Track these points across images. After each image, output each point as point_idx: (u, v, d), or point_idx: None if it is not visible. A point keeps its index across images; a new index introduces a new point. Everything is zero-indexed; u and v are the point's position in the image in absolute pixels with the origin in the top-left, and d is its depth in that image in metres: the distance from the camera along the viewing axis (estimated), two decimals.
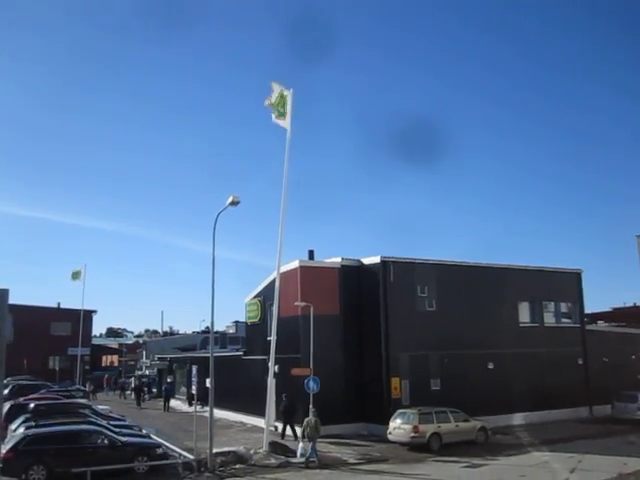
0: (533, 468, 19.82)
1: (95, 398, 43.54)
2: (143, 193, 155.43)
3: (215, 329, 25.21)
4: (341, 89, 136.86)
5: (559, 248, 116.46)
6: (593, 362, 32.88)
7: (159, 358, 52.08)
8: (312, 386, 23.91)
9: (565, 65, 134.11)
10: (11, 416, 23.08)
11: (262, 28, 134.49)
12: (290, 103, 23.75)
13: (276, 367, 24.55)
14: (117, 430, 20.47)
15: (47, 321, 59.80)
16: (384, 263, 27.72)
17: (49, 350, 57.44)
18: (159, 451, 19.83)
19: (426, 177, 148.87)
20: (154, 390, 47.62)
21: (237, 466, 20.09)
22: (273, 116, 24.20)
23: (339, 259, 29.26)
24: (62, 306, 63.00)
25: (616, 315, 47.71)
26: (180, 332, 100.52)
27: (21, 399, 27.94)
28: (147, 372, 61.32)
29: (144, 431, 24.04)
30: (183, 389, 42.19)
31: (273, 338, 23.47)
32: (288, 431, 25.93)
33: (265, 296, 30.88)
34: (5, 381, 29.09)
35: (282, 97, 23.97)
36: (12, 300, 7.93)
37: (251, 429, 28.25)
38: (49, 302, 69.72)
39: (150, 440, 21.53)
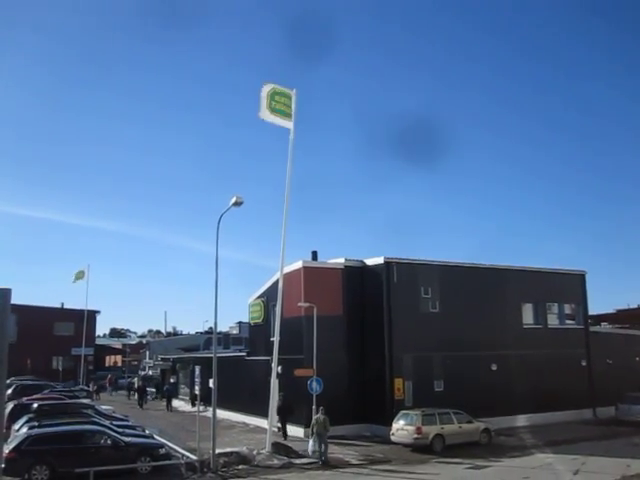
0: (536, 470, 19.78)
1: (98, 398, 43.60)
2: (144, 193, 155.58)
3: (218, 330, 25.21)
4: (341, 89, 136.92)
5: (562, 250, 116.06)
6: (597, 364, 32.78)
7: (162, 358, 52.11)
8: (315, 387, 23.91)
9: (568, 66, 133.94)
10: (14, 416, 23.13)
11: (262, 27, 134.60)
12: (294, 103, 23.72)
13: (279, 368, 24.55)
14: (120, 430, 20.51)
15: (51, 321, 59.92)
16: (387, 264, 27.69)
17: (52, 350, 57.52)
18: (162, 451, 19.85)
19: (427, 177, 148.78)
20: (153, 390, 47.54)
21: (240, 467, 20.08)
22: (260, 112, 23.77)
23: (342, 260, 29.24)
24: (65, 306, 63.16)
25: (620, 317, 47.64)
26: (183, 332, 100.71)
27: (24, 399, 27.94)
28: (150, 372, 61.32)
29: (147, 431, 24.05)
30: (186, 389, 42.17)
31: (276, 339, 23.46)
32: (291, 432, 25.91)
33: (268, 297, 30.87)
34: (8, 381, 29.22)
35: (286, 97, 23.88)
36: (16, 300, 7.93)
37: (254, 430, 28.24)
38: (52, 302, 69.94)
39: (153, 440, 21.54)
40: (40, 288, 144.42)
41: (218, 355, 22.55)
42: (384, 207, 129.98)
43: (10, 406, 24.88)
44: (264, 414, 24.47)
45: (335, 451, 22.16)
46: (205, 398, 25.06)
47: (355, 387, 27.31)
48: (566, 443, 24.31)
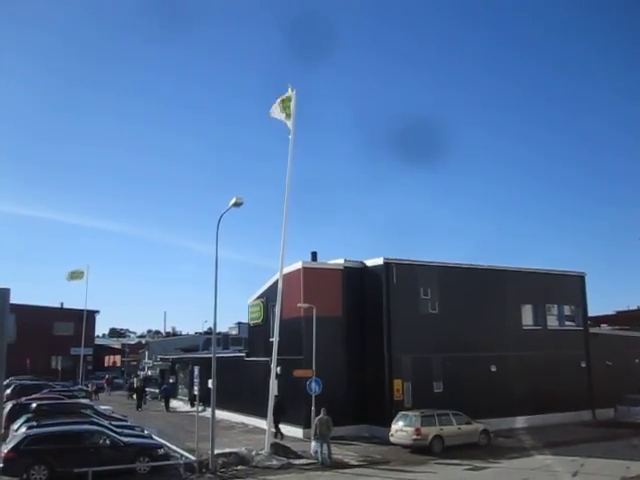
0: (535, 471, 19.76)
1: (97, 398, 43.58)
2: (144, 192, 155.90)
3: (217, 330, 25.23)
4: (341, 89, 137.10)
5: (561, 251, 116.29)
6: (596, 365, 32.76)
7: (161, 359, 52.07)
8: (314, 388, 23.89)
9: (568, 67, 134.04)
10: (13, 416, 23.13)
11: (263, 28, 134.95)
12: (294, 104, 23.72)
13: (278, 368, 24.54)
14: (119, 430, 20.48)
15: (50, 321, 60.01)
16: (387, 265, 27.69)
17: (52, 350, 57.61)
18: (161, 452, 19.83)
19: (426, 178, 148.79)
20: (155, 391, 47.51)
21: (239, 467, 20.06)
22: (272, 110, 23.97)
23: (342, 261, 29.24)
24: (65, 306, 63.18)
25: (619, 318, 47.64)
26: (183, 333, 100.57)
27: (23, 399, 27.92)
28: (149, 372, 61.28)
29: (146, 432, 24.03)
30: (185, 390, 42.14)
31: (275, 339, 23.44)
32: (289, 432, 25.89)
33: (268, 297, 30.87)
34: (7, 381, 29.12)
35: (287, 97, 23.90)
36: (15, 300, 7.94)
37: (253, 430, 28.23)
38: (52, 302, 69.83)
39: (152, 441, 21.51)
40: (39, 288, 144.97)
41: (217, 355, 22.56)
42: (384, 208, 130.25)
43: (9, 406, 24.87)
44: (263, 415, 24.45)
45: (334, 452, 22.11)
46: (204, 398, 25.03)
47: (354, 388, 27.30)
48: (565, 445, 24.30)
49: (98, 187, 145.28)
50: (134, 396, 42.38)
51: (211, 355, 21.97)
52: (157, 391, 46.43)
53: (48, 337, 57.97)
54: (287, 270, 26.57)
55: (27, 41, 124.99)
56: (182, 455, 21.07)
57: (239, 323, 59.27)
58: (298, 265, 27.98)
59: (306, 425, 25.09)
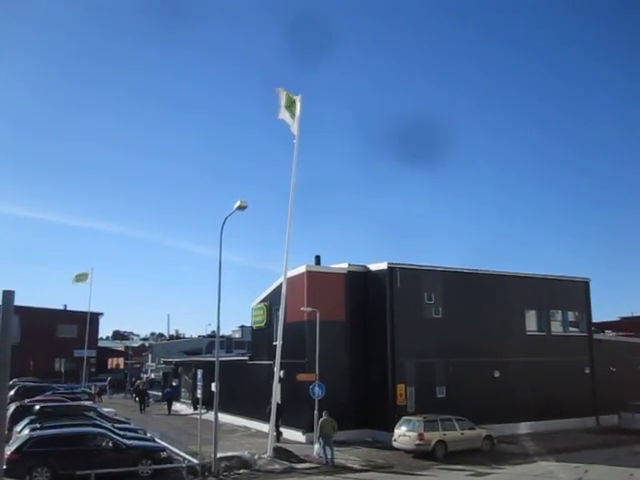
0: (539, 478, 19.70)
1: (100, 400, 43.60)
2: (145, 194, 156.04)
3: (221, 333, 25.22)
4: (341, 90, 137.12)
5: (564, 257, 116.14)
6: (600, 371, 32.66)
7: (165, 361, 52.11)
8: (317, 392, 23.88)
9: (567, 71, 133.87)
10: (16, 418, 23.18)
11: (263, 28, 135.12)
12: (299, 109, 23.72)
13: (281, 372, 24.51)
14: (122, 433, 20.51)
15: (54, 323, 60.08)
16: (391, 269, 27.66)
17: (55, 352, 57.71)
18: (163, 455, 19.82)
19: (427, 181, 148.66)
20: (158, 394, 47.52)
21: (241, 471, 20.05)
22: (280, 113, 24.00)
23: (346, 265, 29.22)
24: (68, 308, 63.29)
25: (624, 324, 47.51)
26: (186, 336, 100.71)
27: (26, 401, 27.96)
28: (152, 375, 61.33)
29: (149, 434, 24.03)
30: (188, 393, 42.15)
31: (279, 343, 23.44)
32: (292, 436, 25.85)
33: (271, 301, 30.87)
34: (11, 382, 29.14)
35: (291, 101, 23.90)
36: (18, 302, 7.95)
37: (255, 434, 28.19)
38: (55, 304, 69.99)
39: (154, 444, 21.50)
40: (42, 290, 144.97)
41: (220, 359, 22.57)
42: (384, 210, 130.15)
43: (12, 408, 24.91)
44: (266, 418, 24.45)
45: (337, 456, 22.10)
46: (207, 402, 25.02)
47: (357, 392, 27.26)
48: (569, 451, 24.21)
49: (98, 188, 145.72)
50: (137, 399, 42.40)
51: (214, 358, 21.97)
52: (160, 394, 46.46)
53: (52, 339, 58.02)
54: (291, 274, 26.57)
55: (27, 40, 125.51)
56: (185, 458, 21.06)
57: (242, 326, 59.46)
58: (302, 269, 27.98)
59: (308, 429, 25.07)
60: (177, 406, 41.18)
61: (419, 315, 27.92)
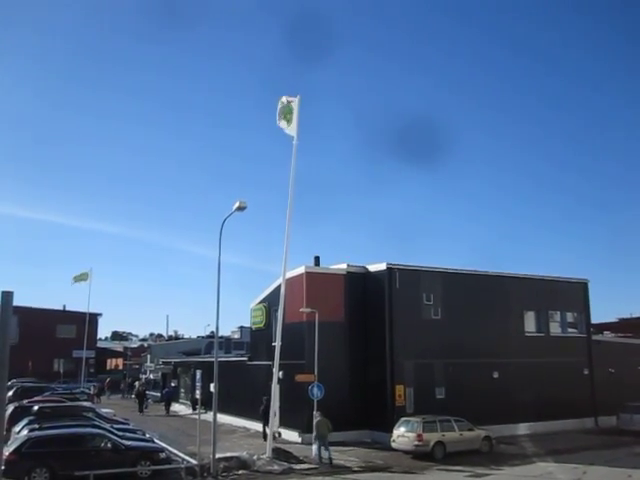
0: (538, 479, 19.71)
1: (99, 401, 43.59)
2: (144, 195, 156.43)
3: (220, 334, 25.18)
4: (341, 91, 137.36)
5: (563, 257, 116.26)
6: (599, 373, 32.68)
7: (164, 362, 52.12)
8: (316, 392, 23.88)
9: (569, 72, 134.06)
10: (15, 418, 23.14)
11: (262, 29, 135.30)
12: (297, 110, 23.70)
13: (280, 373, 24.51)
14: (120, 434, 20.49)
15: (53, 324, 60.08)
16: (390, 270, 27.67)
17: (54, 352, 57.69)
18: (162, 455, 19.82)
19: (426, 181, 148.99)
20: (157, 395, 47.48)
21: (240, 472, 20.04)
22: (278, 119, 24.08)
23: (344, 265, 29.23)
24: (67, 309, 63.26)
25: (622, 326, 47.54)
26: (185, 336, 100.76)
27: (25, 401, 27.93)
28: (151, 376, 61.28)
29: (147, 435, 24.02)
30: (187, 393, 42.14)
31: (278, 344, 23.44)
32: (288, 436, 25.85)
33: (270, 302, 30.87)
34: (9, 383, 29.13)
35: (288, 104, 23.89)
36: (17, 302, 7.96)
37: (254, 435, 28.17)
38: (54, 304, 69.90)
39: (153, 444, 21.49)
40: (41, 290, 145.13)
41: (219, 359, 22.55)
42: (384, 211, 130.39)
43: (11, 408, 24.88)
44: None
45: (336, 457, 22.11)
46: (206, 402, 25.04)
47: (356, 393, 27.25)
48: (567, 452, 24.22)
49: (97, 189, 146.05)
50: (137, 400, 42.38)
51: (213, 359, 21.98)
52: (159, 395, 46.44)
53: (50, 340, 58.00)
54: (290, 275, 26.56)
55: (26, 41, 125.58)
56: (183, 459, 21.03)
57: (241, 327, 59.38)
58: (301, 270, 27.98)
59: (307, 430, 25.06)
60: (176, 407, 41.19)
61: (418, 316, 27.93)
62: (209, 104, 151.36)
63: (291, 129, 23.72)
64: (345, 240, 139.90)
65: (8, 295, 7.25)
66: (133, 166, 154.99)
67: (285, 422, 26.99)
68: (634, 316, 50.65)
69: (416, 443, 22.59)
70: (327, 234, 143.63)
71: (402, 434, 23.18)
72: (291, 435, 26.63)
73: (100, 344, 76.80)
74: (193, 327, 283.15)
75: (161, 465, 19.35)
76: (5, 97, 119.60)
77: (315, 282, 27.67)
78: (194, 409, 34.81)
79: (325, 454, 21.51)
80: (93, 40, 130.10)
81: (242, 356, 35.87)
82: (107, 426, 21.41)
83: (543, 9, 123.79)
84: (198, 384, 22.11)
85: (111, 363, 76.64)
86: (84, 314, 54.76)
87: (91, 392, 44.22)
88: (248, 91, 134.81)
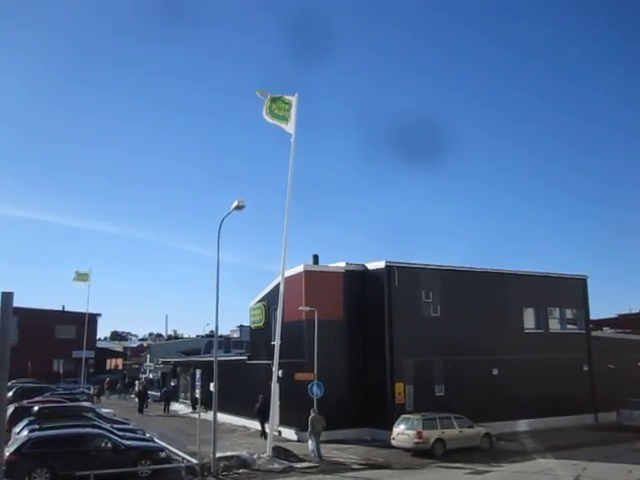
0: (538, 475, 19.73)
1: (99, 401, 43.57)
2: (143, 194, 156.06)
3: (219, 333, 25.18)
4: (341, 90, 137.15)
5: (562, 254, 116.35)
6: (598, 369, 32.71)
7: (163, 362, 52.06)
8: (316, 391, 23.89)
9: (568, 71, 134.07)
10: (15, 419, 23.17)
11: (262, 28, 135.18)
12: (295, 108, 23.68)
13: (280, 372, 24.52)
14: (120, 433, 20.50)
15: (52, 324, 60.04)
16: (389, 268, 27.67)
17: (54, 353, 57.67)
18: (162, 455, 19.80)
19: (426, 180, 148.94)
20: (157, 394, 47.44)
21: (240, 471, 20.04)
22: (263, 113, 23.98)
23: (343, 264, 29.23)
24: (67, 309, 63.23)
25: (622, 322, 47.61)
26: (184, 336, 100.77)
27: (25, 402, 27.94)
28: (151, 375, 61.24)
29: (147, 435, 24.03)
30: (186, 393, 42.12)
31: (277, 343, 23.44)
32: (288, 435, 25.86)
33: (269, 300, 30.86)
34: (9, 383, 29.17)
35: (284, 102, 23.83)
36: (16, 303, 7.94)
37: (254, 434, 28.16)
38: (53, 305, 69.93)
39: (153, 444, 21.48)
40: (41, 290, 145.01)
41: (219, 359, 22.55)
42: (383, 209, 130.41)
43: (11, 409, 24.89)
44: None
45: (335, 455, 22.14)
46: (206, 401, 25.04)
47: (356, 391, 27.26)
48: (567, 448, 24.26)
49: (96, 188, 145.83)
50: (135, 399, 42.37)
51: (213, 358, 21.98)
52: (159, 394, 46.40)
53: (50, 340, 57.97)
54: (289, 273, 26.58)
55: (26, 41, 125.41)
56: (184, 458, 21.06)
57: (241, 326, 59.31)
58: (300, 268, 27.98)
59: (304, 428, 25.04)
60: (176, 406, 41.16)
61: (417, 313, 27.94)
62: (209, 103, 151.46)
63: (289, 127, 23.70)
64: (344, 239, 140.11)
65: (8, 296, 7.22)
66: (133, 166, 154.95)
67: (285, 420, 26.98)
68: (633, 312, 50.68)
69: (416, 440, 22.60)
70: (326, 233, 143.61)
71: (402, 432, 23.20)
72: (291, 434, 26.62)
73: (99, 344, 76.78)
74: (192, 326, 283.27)
75: (161, 464, 19.33)
76: (5, 97, 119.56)
77: (314, 281, 27.67)
78: (194, 408, 34.81)
79: (317, 448, 21.63)
80: (93, 40, 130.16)
81: (242, 355, 35.86)
82: (107, 426, 21.43)
83: (543, 9, 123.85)
84: (198, 383, 22.12)
85: (111, 363, 76.64)
86: (83, 314, 54.76)
87: (91, 392, 44.25)
88: (248, 91, 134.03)
